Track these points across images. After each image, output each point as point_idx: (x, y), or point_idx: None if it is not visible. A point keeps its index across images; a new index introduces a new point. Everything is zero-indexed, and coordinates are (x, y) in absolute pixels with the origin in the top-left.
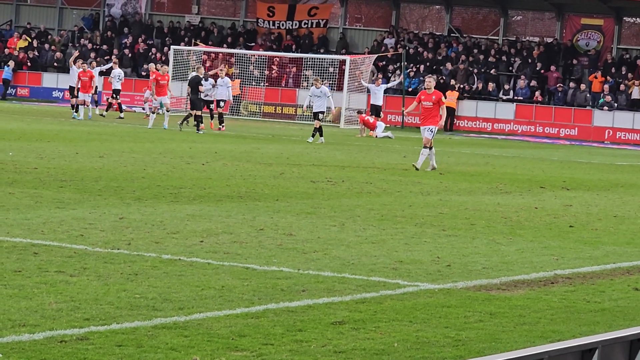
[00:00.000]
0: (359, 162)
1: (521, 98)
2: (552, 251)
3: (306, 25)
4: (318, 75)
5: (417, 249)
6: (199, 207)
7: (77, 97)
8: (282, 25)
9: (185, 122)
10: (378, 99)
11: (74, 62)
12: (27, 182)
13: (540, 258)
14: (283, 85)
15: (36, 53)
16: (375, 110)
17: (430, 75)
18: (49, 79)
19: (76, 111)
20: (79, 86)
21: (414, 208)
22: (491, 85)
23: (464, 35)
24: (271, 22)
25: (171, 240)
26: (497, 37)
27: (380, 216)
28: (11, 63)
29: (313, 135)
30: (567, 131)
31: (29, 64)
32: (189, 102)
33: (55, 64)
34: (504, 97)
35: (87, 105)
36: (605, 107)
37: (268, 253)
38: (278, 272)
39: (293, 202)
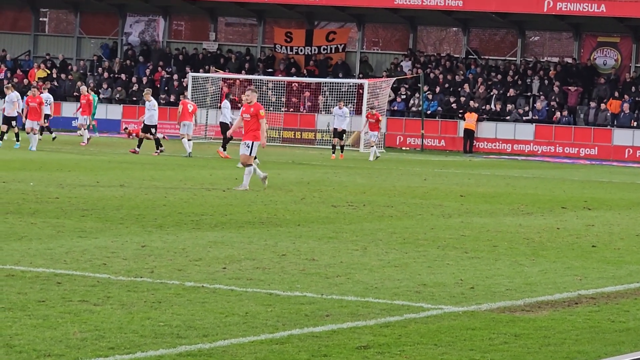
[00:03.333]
0: (379, 185)
1: (540, 118)
2: (576, 271)
3: (325, 51)
4: (340, 100)
5: (440, 272)
6: (220, 233)
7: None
8: (300, 50)
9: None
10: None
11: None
12: (49, 212)
13: (564, 278)
14: (301, 111)
15: (55, 83)
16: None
17: (250, 87)
18: (68, 109)
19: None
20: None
21: (435, 231)
22: (510, 107)
23: (482, 56)
24: (289, 48)
25: (194, 268)
26: (515, 58)
27: (403, 239)
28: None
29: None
30: (587, 151)
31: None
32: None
33: (74, 93)
34: (523, 118)
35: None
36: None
37: (291, 278)
38: (301, 297)
39: (315, 227)
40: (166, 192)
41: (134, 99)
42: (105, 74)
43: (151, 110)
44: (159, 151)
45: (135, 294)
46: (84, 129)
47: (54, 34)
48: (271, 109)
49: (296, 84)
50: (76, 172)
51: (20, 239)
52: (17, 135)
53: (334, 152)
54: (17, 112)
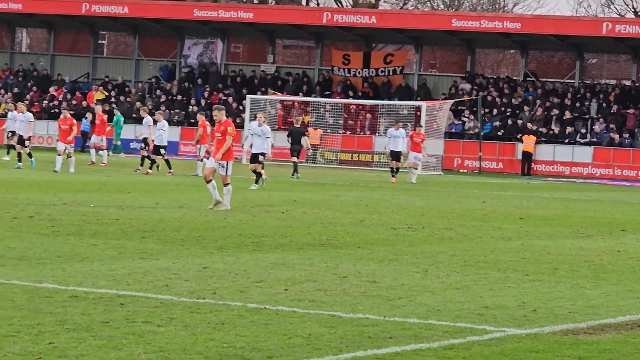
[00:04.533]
0: (438, 208)
1: (599, 141)
2: (638, 294)
3: (382, 73)
4: (399, 122)
5: (501, 294)
6: (281, 255)
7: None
8: (358, 73)
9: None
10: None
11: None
12: (109, 233)
13: (626, 301)
14: (359, 133)
15: (114, 105)
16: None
17: (217, 106)
18: (126, 131)
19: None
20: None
21: (496, 253)
22: (568, 129)
23: (540, 79)
24: (346, 70)
25: (256, 289)
26: (573, 81)
27: (463, 262)
28: (89, 115)
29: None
30: None
31: (106, 116)
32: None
33: (133, 115)
34: (582, 141)
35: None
36: None
37: (353, 300)
38: (364, 319)
39: (375, 249)
40: (225, 214)
41: (192, 120)
42: (163, 97)
43: (160, 131)
44: (171, 172)
45: (199, 315)
46: (103, 150)
47: (113, 57)
48: (329, 130)
49: (354, 106)
50: (135, 194)
51: (82, 260)
52: (19, 155)
53: (393, 175)
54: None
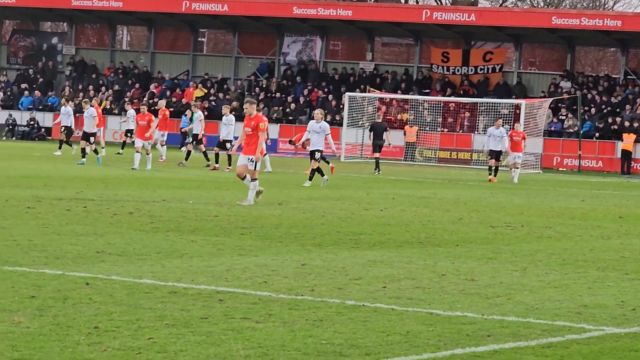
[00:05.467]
0: (537, 206)
1: None
2: None
3: (482, 71)
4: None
5: (600, 293)
6: (379, 252)
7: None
8: (457, 70)
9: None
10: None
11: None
12: (208, 230)
13: None
14: (458, 131)
15: (212, 103)
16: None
17: (248, 99)
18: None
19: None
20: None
21: (595, 252)
22: None
23: None
24: (445, 68)
25: (354, 286)
26: None
27: (562, 260)
28: (188, 113)
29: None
30: None
31: (205, 113)
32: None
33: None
34: None
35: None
36: None
37: (451, 298)
38: (462, 317)
39: (473, 248)
40: (324, 211)
41: (290, 118)
42: (262, 94)
43: (229, 126)
44: (229, 169)
45: (297, 311)
46: (161, 145)
47: (213, 54)
48: (427, 128)
49: (453, 104)
50: (234, 191)
51: (181, 256)
52: (95, 151)
53: (490, 174)
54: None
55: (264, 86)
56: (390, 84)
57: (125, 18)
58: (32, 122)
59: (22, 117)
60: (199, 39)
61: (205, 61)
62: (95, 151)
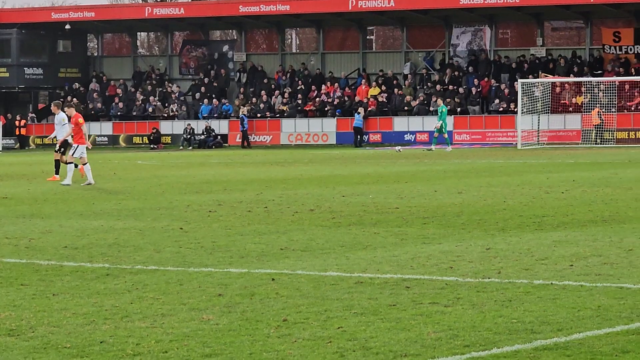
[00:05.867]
0: None
1: None
2: None
3: None
4: None
5: None
6: (564, 233)
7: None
8: (630, 50)
9: None
10: None
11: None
12: (390, 222)
13: None
14: (633, 110)
15: (384, 99)
16: None
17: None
18: (400, 123)
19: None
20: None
21: None
22: None
23: None
24: (618, 48)
25: (540, 267)
26: None
27: None
28: (361, 110)
29: None
30: None
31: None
32: None
33: (405, 107)
34: None
35: None
36: None
37: None
38: None
39: None
40: (504, 196)
41: (458, 109)
42: (437, 87)
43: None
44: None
45: (485, 294)
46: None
47: (382, 51)
48: (604, 110)
49: (627, 84)
50: (413, 183)
51: (365, 248)
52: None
53: None
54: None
55: (436, 79)
56: (562, 68)
57: (293, 21)
58: (209, 131)
59: (198, 126)
60: (368, 37)
61: (375, 58)
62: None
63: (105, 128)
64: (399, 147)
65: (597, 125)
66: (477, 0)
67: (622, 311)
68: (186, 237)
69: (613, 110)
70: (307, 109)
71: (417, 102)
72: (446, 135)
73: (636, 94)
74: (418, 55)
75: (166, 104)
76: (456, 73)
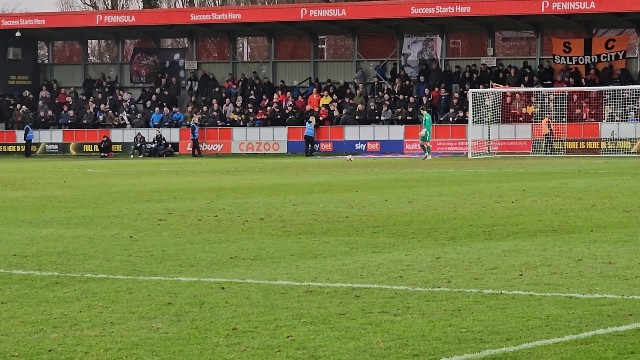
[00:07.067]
0: None
1: None
2: None
3: (605, 59)
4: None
5: None
6: (514, 242)
7: None
8: (580, 60)
9: None
10: None
11: None
12: (340, 230)
13: None
14: (585, 120)
15: (335, 108)
16: None
17: None
18: (351, 132)
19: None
20: None
21: None
22: None
23: None
24: (568, 58)
25: (490, 276)
26: None
27: None
28: (312, 119)
29: None
30: None
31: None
32: None
33: (357, 117)
34: None
35: None
36: None
37: (589, 282)
38: (602, 299)
39: (608, 232)
40: (455, 206)
41: (408, 118)
42: (386, 96)
43: None
44: None
45: (434, 303)
46: None
47: (333, 60)
48: (553, 120)
49: (576, 94)
50: (364, 192)
51: (315, 257)
52: None
53: None
54: None
55: (386, 89)
56: (513, 78)
57: (244, 29)
58: (159, 139)
59: (149, 135)
60: (319, 46)
61: (327, 67)
62: None
63: (55, 136)
64: (350, 156)
65: (547, 134)
66: (428, 10)
67: (570, 321)
68: (136, 245)
69: (563, 120)
70: (259, 117)
71: (369, 111)
72: (429, 144)
73: (584, 104)
74: (369, 65)
75: (117, 112)
76: (407, 82)
